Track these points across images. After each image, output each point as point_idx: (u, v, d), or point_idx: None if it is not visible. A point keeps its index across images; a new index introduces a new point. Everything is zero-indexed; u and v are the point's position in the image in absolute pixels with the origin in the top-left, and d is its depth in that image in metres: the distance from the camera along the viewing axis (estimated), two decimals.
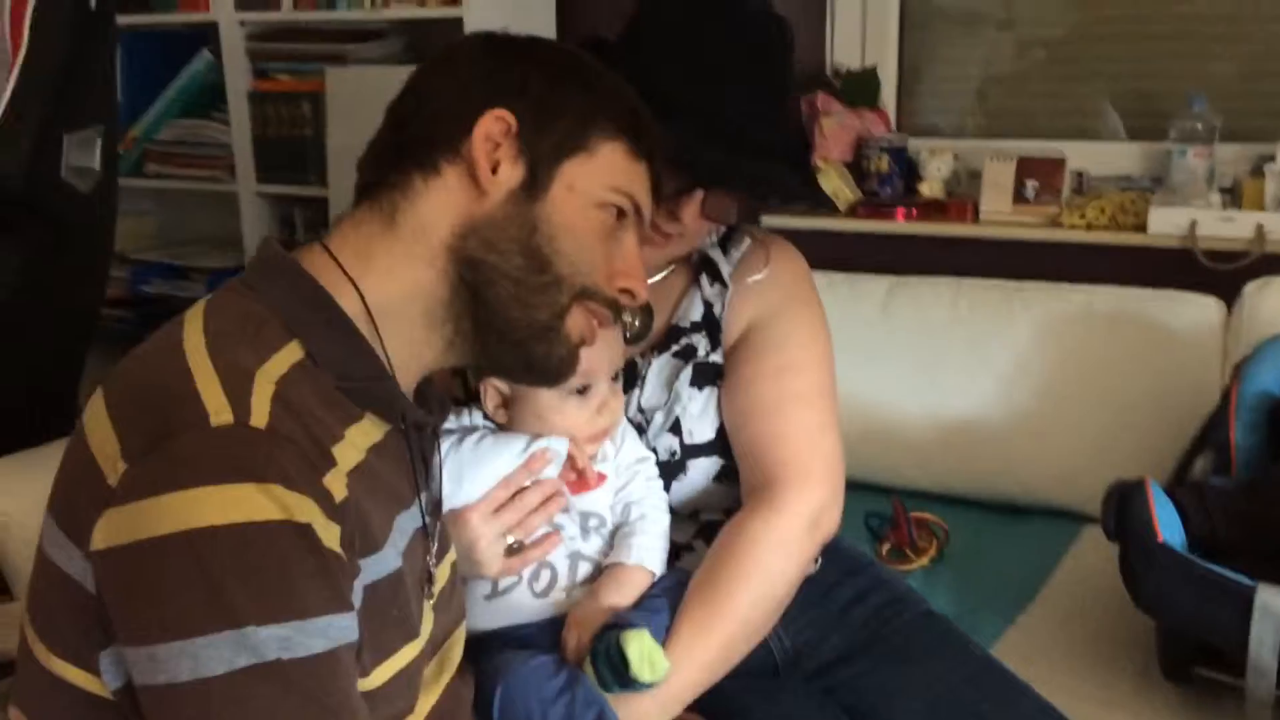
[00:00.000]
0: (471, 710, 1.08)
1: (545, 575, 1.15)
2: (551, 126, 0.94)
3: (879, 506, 1.96)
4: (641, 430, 1.25)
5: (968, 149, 2.47)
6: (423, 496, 0.97)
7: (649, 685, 1.07)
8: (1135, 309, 2.03)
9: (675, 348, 1.28)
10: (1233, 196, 2.18)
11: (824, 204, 1.30)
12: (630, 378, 1.27)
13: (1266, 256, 2.05)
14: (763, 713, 1.26)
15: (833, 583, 1.39)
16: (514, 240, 0.92)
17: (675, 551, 1.28)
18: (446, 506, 1.09)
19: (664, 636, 1.14)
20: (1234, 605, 1.32)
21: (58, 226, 1.59)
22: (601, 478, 1.17)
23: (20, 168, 1.53)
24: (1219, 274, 2.06)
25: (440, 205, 0.92)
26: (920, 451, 2.09)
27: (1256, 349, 1.73)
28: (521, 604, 1.14)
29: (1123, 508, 1.44)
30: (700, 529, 1.30)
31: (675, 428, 1.25)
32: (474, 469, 1.10)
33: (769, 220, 2.44)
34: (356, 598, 0.84)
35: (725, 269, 1.31)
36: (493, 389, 1.15)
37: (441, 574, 1.02)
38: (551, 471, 1.14)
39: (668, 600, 1.17)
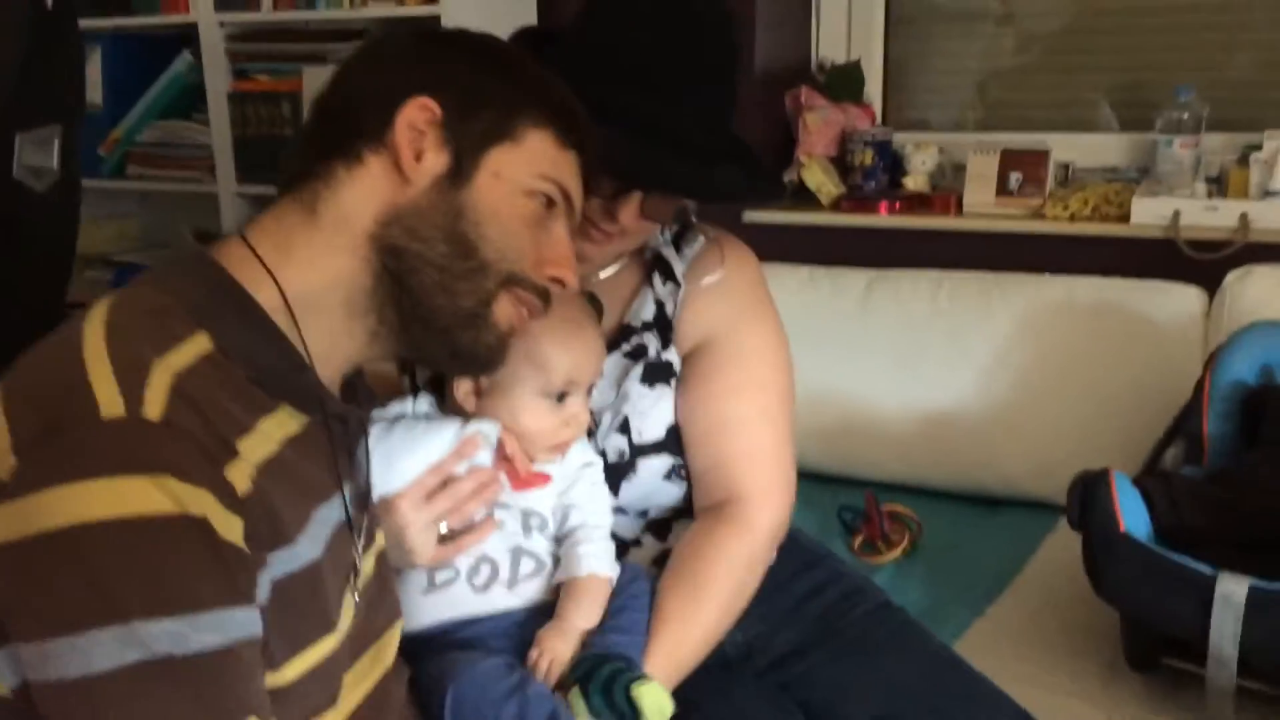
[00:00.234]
0: (409, 708, 1.07)
1: (485, 569, 1.13)
2: (477, 114, 0.94)
3: (853, 500, 1.95)
4: (590, 432, 1.24)
5: (953, 142, 2.46)
6: (346, 488, 0.96)
7: None
8: (1116, 300, 2.01)
9: (626, 347, 1.27)
10: (1219, 186, 2.15)
11: (772, 197, 1.27)
12: None
13: (1250, 246, 2.02)
14: (714, 707, 1.25)
15: (788, 576, 1.37)
16: (438, 227, 0.92)
17: (624, 547, 1.27)
18: (376, 494, 1.08)
19: (642, 651, 1.13)
20: (1195, 594, 1.30)
21: (12, 226, 1.59)
22: (546, 478, 1.16)
23: None
24: (1202, 264, 2.04)
25: (363, 194, 0.92)
26: (899, 444, 2.07)
27: (1231, 338, 1.71)
28: (461, 598, 1.13)
29: (1086, 498, 1.42)
30: (648, 525, 1.29)
31: (624, 427, 1.24)
32: (404, 455, 1.09)
33: (750, 215, 2.44)
34: (263, 591, 0.83)
35: (678, 268, 1.30)
36: (467, 379, 1.13)
37: (367, 566, 1.01)
38: (484, 458, 1.12)
39: (636, 609, 1.15)
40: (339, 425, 0.95)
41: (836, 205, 2.41)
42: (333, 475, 0.94)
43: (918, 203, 2.37)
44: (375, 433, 1.09)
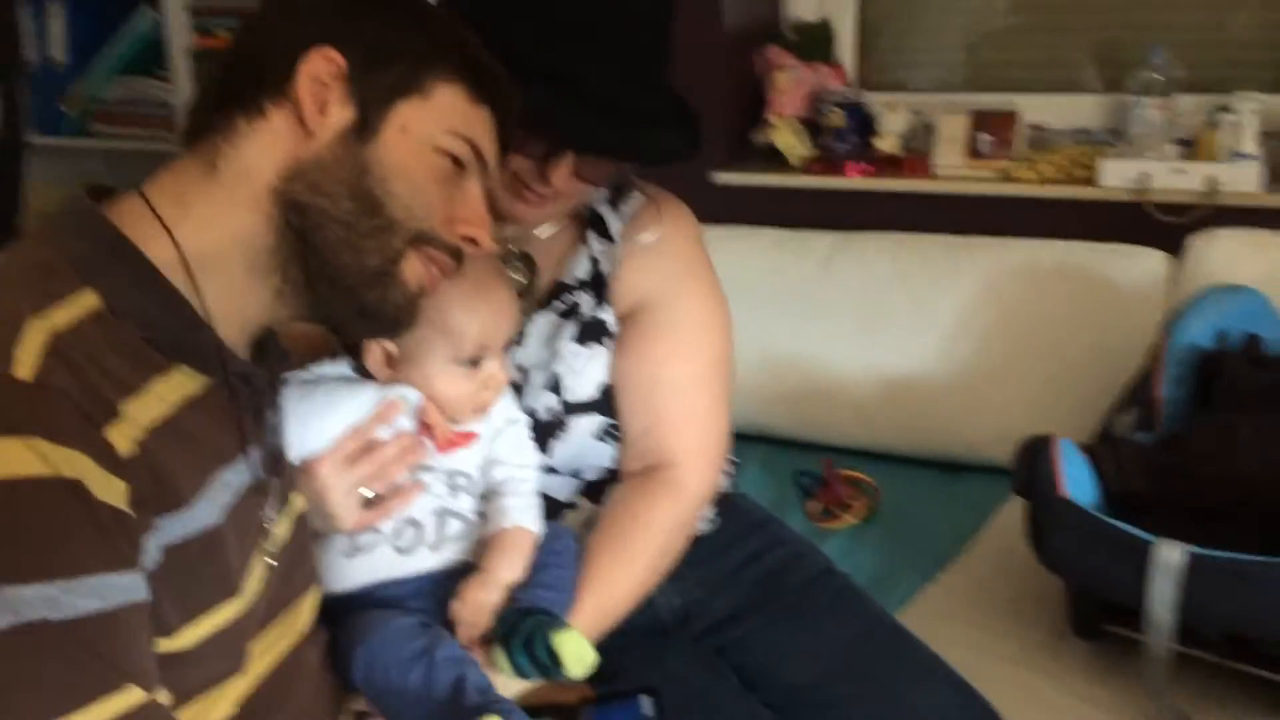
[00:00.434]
0: (325, 673, 1.06)
1: (410, 532, 1.12)
2: (384, 67, 0.91)
3: (812, 466, 1.93)
4: (519, 389, 1.22)
5: (926, 104, 2.42)
6: (253, 450, 0.94)
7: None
8: (1080, 263, 1.99)
9: (559, 305, 1.25)
10: (1191, 148, 2.12)
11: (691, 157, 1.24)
12: (513, 335, 1.24)
13: (1218, 209, 1.99)
14: (647, 672, 1.24)
15: (727, 541, 1.37)
16: (343, 183, 0.89)
17: (558, 509, 1.26)
18: (295, 457, 1.06)
19: (567, 609, 1.12)
20: (1133, 561, 1.29)
21: None
22: (471, 436, 1.14)
23: None
24: (1170, 227, 2.01)
25: (265, 148, 0.90)
26: (860, 409, 2.06)
27: (1186, 302, 1.69)
28: (385, 561, 1.11)
29: (1029, 463, 1.41)
30: (582, 487, 1.28)
31: (555, 386, 1.23)
32: (321, 417, 1.08)
33: (720, 176, 2.41)
34: (152, 556, 0.81)
35: (614, 226, 1.28)
36: (376, 344, 1.12)
37: (280, 530, 1.00)
38: (405, 421, 1.11)
39: (562, 566, 1.14)
40: (244, 386, 0.93)
41: (806, 167, 2.38)
42: (237, 437, 0.92)
43: (888, 165, 2.34)
44: (292, 394, 1.07)
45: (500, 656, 1.04)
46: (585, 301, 1.25)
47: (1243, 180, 2.00)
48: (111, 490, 0.78)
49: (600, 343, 1.24)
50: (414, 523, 1.12)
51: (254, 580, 0.94)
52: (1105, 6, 2.33)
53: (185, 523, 0.85)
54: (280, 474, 1.00)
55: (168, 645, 0.84)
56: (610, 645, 1.22)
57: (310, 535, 1.09)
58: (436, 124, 0.93)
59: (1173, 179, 2.04)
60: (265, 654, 0.97)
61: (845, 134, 2.41)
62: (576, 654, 1.03)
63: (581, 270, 1.26)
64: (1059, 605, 1.51)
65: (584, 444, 1.24)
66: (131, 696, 0.77)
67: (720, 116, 2.43)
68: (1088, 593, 1.41)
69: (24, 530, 0.74)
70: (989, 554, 1.70)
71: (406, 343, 1.04)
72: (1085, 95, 2.33)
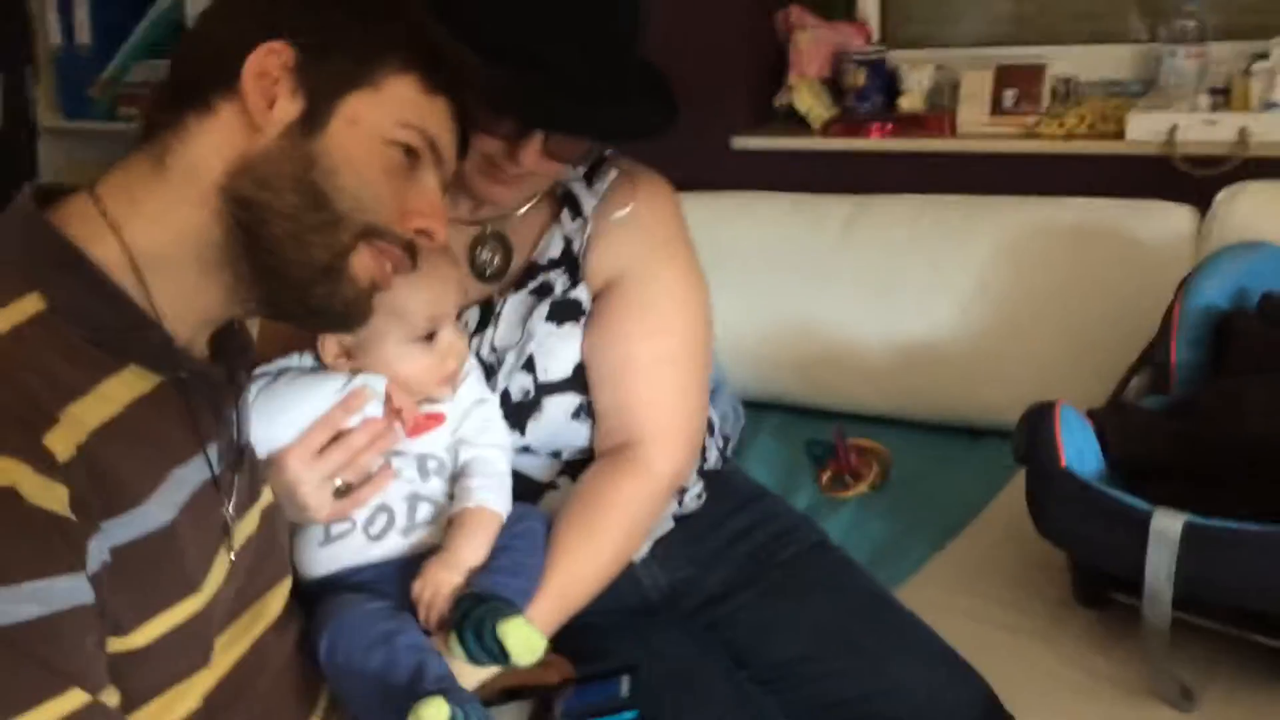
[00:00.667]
0: (294, 663, 1.06)
1: (382, 518, 1.12)
2: (331, 59, 0.90)
3: (823, 434, 1.91)
4: (493, 370, 1.22)
5: (950, 59, 2.36)
6: (210, 448, 0.94)
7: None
8: (1103, 221, 1.93)
9: (532, 285, 1.24)
10: (1225, 99, 2.05)
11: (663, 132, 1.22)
12: (485, 316, 1.24)
13: (1249, 161, 1.92)
14: (631, 650, 1.24)
15: (717, 518, 1.36)
16: (289, 177, 0.89)
17: (539, 490, 1.26)
18: (262, 451, 1.07)
19: (528, 596, 1.12)
20: (1131, 531, 1.26)
21: None
22: (439, 419, 1.15)
23: None
24: (1200, 181, 1.94)
25: (213, 144, 0.89)
26: (876, 375, 2.02)
27: (1203, 261, 1.63)
28: (358, 548, 1.12)
29: (1031, 431, 1.38)
30: (563, 467, 1.27)
31: (529, 366, 1.22)
32: (287, 410, 1.08)
33: (740, 141, 2.38)
34: (97, 558, 0.81)
35: (587, 204, 1.27)
36: (331, 339, 1.12)
37: (246, 525, 1.00)
38: (374, 409, 1.11)
39: (525, 549, 1.14)
40: (199, 383, 0.93)
41: (827, 129, 2.34)
42: (193, 435, 0.92)
43: (911, 124, 2.29)
44: (257, 388, 1.08)
45: (456, 645, 1.04)
46: (558, 281, 1.24)
47: (1276, 130, 1.93)
48: (49, 495, 0.78)
49: (574, 322, 1.24)
50: (385, 509, 1.12)
51: (216, 575, 0.94)
52: None
53: (135, 522, 0.85)
54: (242, 469, 1.00)
55: (123, 644, 0.84)
56: (598, 625, 1.23)
57: (284, 526, 1.10)
58: (387, 116, 0.91)
59: (1203, 131, 1.97)
60: (231, 647, 0.97)
61: (868, 93, 2.37)
62: (523, 643, 1.02)
63: (554, 249, 1.25)
64: (1065, 574, 1.48)
65: (560, 423, 1.24)
66: (74, 699, 0.77)
67: (740, 80, 2.40)
68: (1087, 562, 1.38)
69: None
70: (999, 522, 1.67)
71: (360, 331, 1.05)
72: (1118, 45, 2.26)
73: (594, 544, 1.18)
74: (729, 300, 2.10)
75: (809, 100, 2.35)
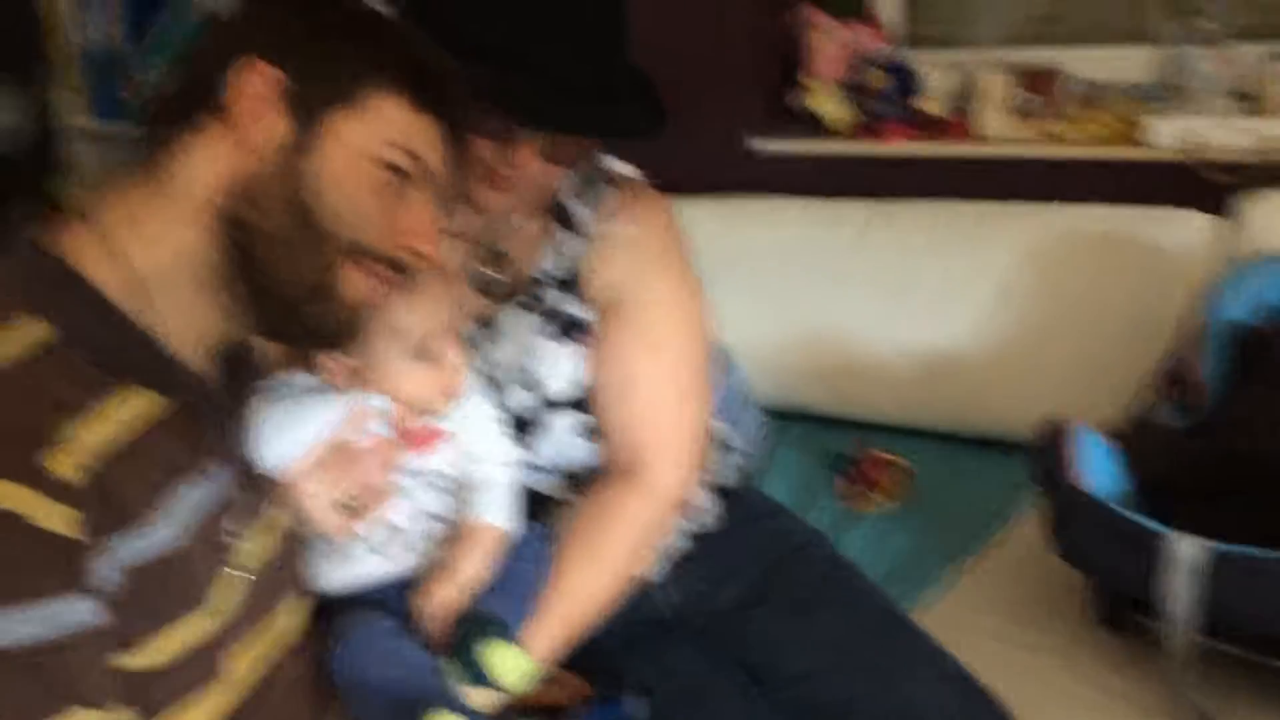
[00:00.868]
0: (308, 685, 1.06)
1: (390, 535, 1.12)
2: (319, 79, 0.91)
3: (843, 445, 1.90)
4: (496, 385, 1.22)
5: (973, 60, 2.33)
6: (215, 466, 0.95)
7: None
8: (1123, 229, 1.90)
9: (531, 301, 1.24)
10: (1249, 103, 2.01)
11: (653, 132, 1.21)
12: (486, 332, 1.24)
13: (1274, 167, 1.89)
14: (643, 668, 1.24)
15: (731, 535, 1.35)
16: (278, 197, 0.89)
17: (549, 507, 1.25)
18: (270, 468, 1.07)
19: (526, 613, 1.11)
20: (1151, 555, 1.24)
21: None
22: (442, 434, 1.14)
23: None
24: (1222, 189, 1.91)
25: (205, 163, 0.90)
26: (895, 384, 2.01)
27: (1229, 273, 1.60)
28: (367, 565, 1.12)
29: (1045, 451, 1.36)
30: (572, 486, 1.26)
31: (530, 383, 1.22)
32: (295, 428, 1.08)
33: (756, 144, 2.36)
34: (106, 577, 0.82)
35: (583, 218, 1.26)
36: (334, 360, 1.12)
37: (256, 543, 1.00)
38: (379, 426, 1.11)
39: (529, 566, 1.14)
40: (204, 402, 0.94)
41: (845, 132, 2.31)
42: (199, 453, 0.93)
43: (933, 127, 2.26)
44: (263, 405, 1.08)
45: (453, 666, 1.04)
46: (557, 297, 1.24)
47: None
48: (56, 517, 0.78)
49: (573, 338, 1.23)
50: (393, 527, 1.12)
51: (225, 593, 0.95)
52: None
53: (143, 541, 0.86)
54: (249, 487, 1.01)
55: (133, 662, 0.85)
56: (611, 642, 1.23)
57: (297, 543, 1.10)
58: (374, 135, 0.92)
59: (1225, 135, 1.94)
60: (243, 665, 0.98)
61: (887, 95, 2.34)
62: (507, 667, 1.01)
63: (552, 265, 1.25)
64: (1085, 593, 1.46)
65: (565, 441, 1.23)
66: (76, 719, 0.78)
67: (752, 81, 2.38)
68: (1110, 586, 1.37)
69: None
70: (1020, 538, 1.65)
71: (360, 353, 1.04)
72: (1139, 47, 2.22)
73: (598, 563, 1.17)
74: (743, 305, 2.12)
75: (826, 102, 2.33)
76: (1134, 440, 1.41)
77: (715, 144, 2.36)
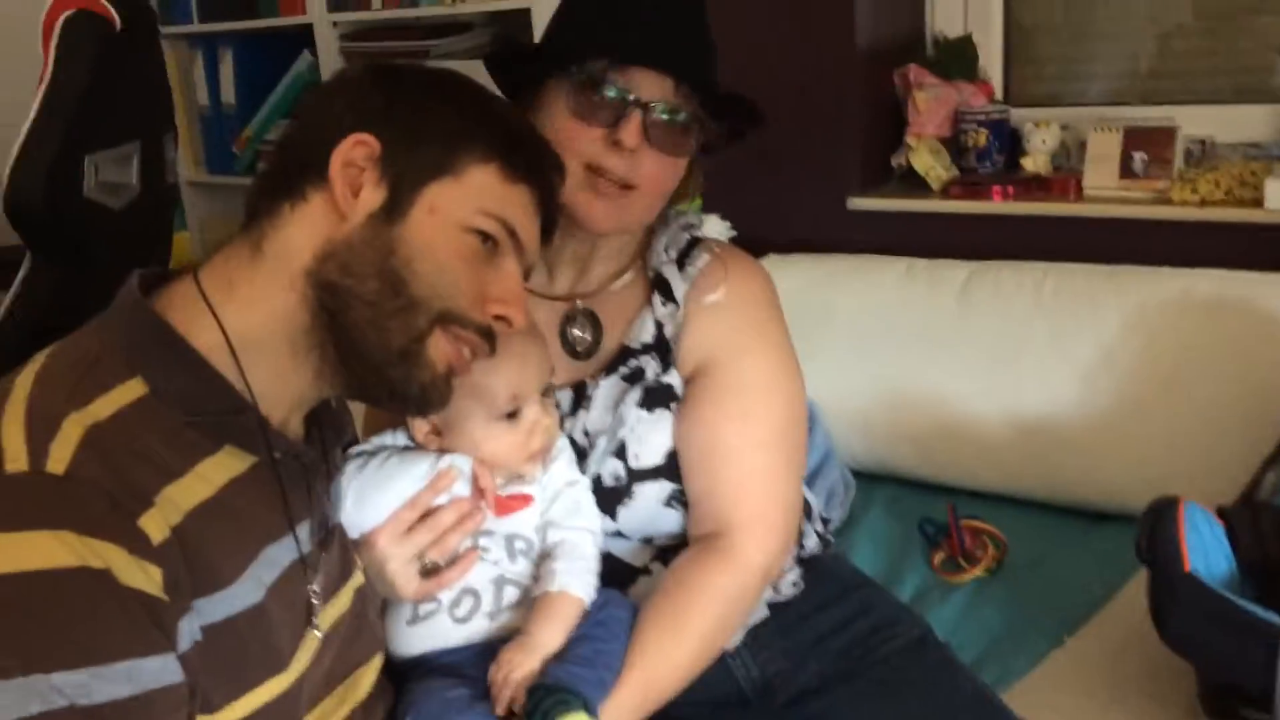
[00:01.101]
0: None
1: (468, 601, 1.12)
2: (415, 149, 0.94)
3: (936, 508, 1.85)
4: (585, 454, 1.21)
5: (1077, 119, 2.28)
6: (300, 527, 0.96)
7: None
8: (1239, 295, 1.82)
9: (624, 370, 1.23)
10: None
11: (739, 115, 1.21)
12: (579, 399, 1.23)
13: None
14: None
15: (814, 608, 1.31)
16: (370, 264, 0.92)
17: (631, 575, 1.24)
18: (354, 531, 1.08)
19: (603, 684, 1.09)
20: (1262, 645, 1.17)
21: (88, 244, 1.66)
22: (527, 499, 1.14)
23: (39, 193, 1.60)
24: None
25: (304, 231, 0.93)
26: (993, 450, 1.94)
27: None
28: (444, 630, 1.12)
29: (1153, 530, 1.30)
30: (655, 554, 1.25)
31: (620, 452, 1.21)
32: (377, 491, 1.09)
33: (855, 203, 2.33)
34: (188, 637, 0.84)
35: (679, 287, 1.25)
36: (420, 420, 1.13)
37: (336, 604, 1.01)
38: (461, 489, 1.11)
39: (606, 638, 1.12)
40: (293, 462, 0.96)
41: (946, 190, 2.28)
42: (284, 514, 0.94)
43: (1035, 186, 2.21)
44: (350, 468, 1.09)
45: None
46: (651, 366, 1.23)
47: None
48: (142, 577, 0.80)
49: (666, 408, 1.22)
50: (471, 591, 1.12)
51: (304, 654, 0.96)
52: None
53: (226, 602, 0.87)
54: (330, 548, 1.02)
55: None
56: (688, 717, 1.20)
57: (375, 605, 1.10)
58: (467, 204, 0.94)
59: None
60: None
61: (988, 153, 2.30)
62: None
63: (646, 334, 1.24)
64: (1192, 680, 1.39)
65: (652, 510, 1.22)
66: None
67: (857, 140, 2.36)
68: (1217, 675, 1.29)
69: (52, 619, 0.77)
70: (1123, 617, 1.57)
71: (445, 412, 1.05)
72: (1257, 105, 2.15)
73: (680, 635, 1.14)
74: (840, 365, 2.09)
75: (928, 160, 2.29)
76: (1242, 520, 1.34)
77: (816, 201, 2.34)
